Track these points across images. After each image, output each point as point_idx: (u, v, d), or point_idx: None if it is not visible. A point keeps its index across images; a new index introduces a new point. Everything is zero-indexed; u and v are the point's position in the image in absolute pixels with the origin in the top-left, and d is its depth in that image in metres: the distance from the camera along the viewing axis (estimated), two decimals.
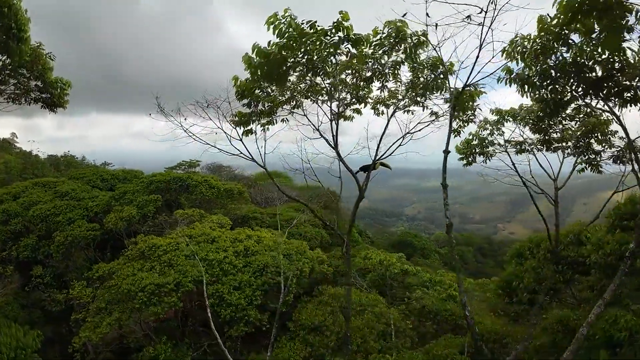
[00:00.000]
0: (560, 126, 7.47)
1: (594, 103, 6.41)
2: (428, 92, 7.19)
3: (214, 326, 10.64)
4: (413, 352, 9.97)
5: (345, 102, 8.05)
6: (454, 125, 7.72)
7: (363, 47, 5.71)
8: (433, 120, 7.90)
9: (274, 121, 7.86)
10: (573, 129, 7.45)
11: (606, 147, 7.39)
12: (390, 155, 7.80)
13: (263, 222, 24.46)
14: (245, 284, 12.76)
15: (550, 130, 7.57)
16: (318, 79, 7.20)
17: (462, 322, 14.37)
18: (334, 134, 7.77)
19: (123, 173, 25.45)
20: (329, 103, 7.89)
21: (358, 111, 8.29)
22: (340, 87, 7.46)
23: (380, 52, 5.98)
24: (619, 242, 7.23)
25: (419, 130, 7.89)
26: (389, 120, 7.71)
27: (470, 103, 7.23)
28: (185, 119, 7.00)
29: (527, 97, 6.18)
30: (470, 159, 8.43)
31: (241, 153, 7.34)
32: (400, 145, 7.81)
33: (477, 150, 8.36)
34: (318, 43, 5.17)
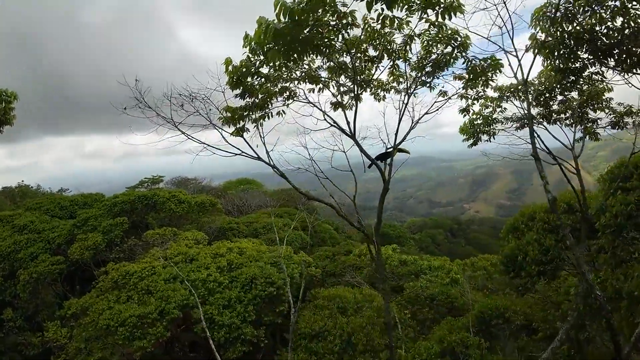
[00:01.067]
0: (561, 97, 7.42)
1: (602, 71, 6.40)
2: (438, 70, 6.53)
3: (208, 351, 9.86)
4: (427, 343, 9.69)
5: (344, 88, 7.20)
6: (462, 104, 7.38)
7: (398, 8, 4.93)
8: (448, 99, 7.17)
9: (269, 115, 6.83)
10: (572, 99, 7.40)
11: (609, 113, 7.42)
12: (403, 141, 7.01)
13: (240, 232, 23.64)
14: (235, 300, 11.99)
15: (551, 103, 7.53)
16: (317, 62, 6.38)
17: (458, 304, 14.41)
18: (349, 120, 6.65)
19: (82, 198, 23.84)
20: (333, 87, 7.04)
21: (358, 98, 7.33)
22: (335, 74, 6.70)
23: (407, 14, 5.22)
24: (623, 203, 7.36)
25: (435, 111, 7.14)
26: (406, 104, 6.93)
27: (491, 75, 6.29)
28: (182, 104, 5.69)
29: (543, 66, 6.05)
30: (474, 139, 8.16)
31: (242, 152, 6.17)
32: (410, 129, 7.07)
33: (482, 129, 8.09)
34: (329, 14, 4.42)
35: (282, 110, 7.01)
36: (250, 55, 5.38)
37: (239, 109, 6.52)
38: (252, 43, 4.89)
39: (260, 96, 6.42)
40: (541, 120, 7.48)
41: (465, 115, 7.65)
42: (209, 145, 6.01)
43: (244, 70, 5.71)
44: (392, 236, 37.25)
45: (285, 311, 12.28)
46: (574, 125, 7.41)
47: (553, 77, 6.80)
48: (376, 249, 7.21)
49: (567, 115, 7.45)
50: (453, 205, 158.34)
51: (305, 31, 3.91)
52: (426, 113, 7.10)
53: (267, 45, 4.34)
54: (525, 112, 7.41)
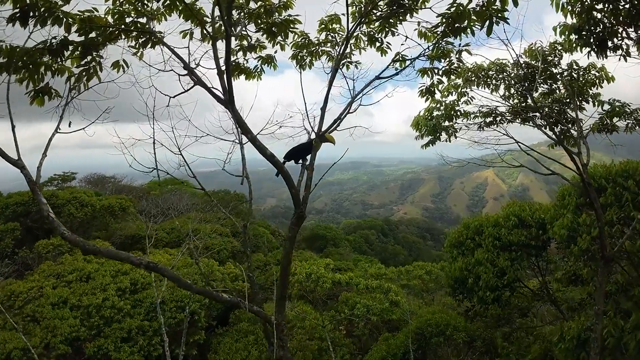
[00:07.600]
0: (545, 86, 6.11)
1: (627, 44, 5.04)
2: (397, 16, 4.18)
3: None
4: None
5: (248, 39, 4.53)
6: (427, 81, 5.08)
7: None
8: (411, 62, 4.72)
9: (97, 67, 3.93)
10: (558, 92, 6.15)
11: (608, 109, 6.08)
12: (335, 127, 4.49)
13: (159, 241, 20.85)
14: (136, 331, 9.85)
15: (528, 95, 6.08)
16: None
17: (392, 317, 13.62)
18: (227, 83, 3.73)
19: None
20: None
21: (269, 60, 4.92)
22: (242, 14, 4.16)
23: None
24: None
25: (391, 77, 4.71)
26: (334, 74, 4.45)
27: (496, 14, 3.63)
28: None
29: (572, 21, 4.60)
30: (433, 137, 6.43)
31: None
32: (348, 112, 4.56)
33: (440, 126, 6.38)
34: None
35: (123, 61, 4.17)
36: None
37: (35, 51, 3.53)
38: None
39: (74, 29, 3.46)
40: (511, 117, 6.13)
41: (427, 100, 5.54)
42: None
43: None
44: (327, 238, 37.04)
45: (202, 340, 10.43)
46: (545, 126, 6.19)
47: (569, 42, 5.00)
48: (277, 307, 4.34)
49: (544, 112, 6.11)
50: (384, 207, 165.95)
51: None
52: (377, 77, 4.68)
53: None
54: (494, 106, 6.04)
